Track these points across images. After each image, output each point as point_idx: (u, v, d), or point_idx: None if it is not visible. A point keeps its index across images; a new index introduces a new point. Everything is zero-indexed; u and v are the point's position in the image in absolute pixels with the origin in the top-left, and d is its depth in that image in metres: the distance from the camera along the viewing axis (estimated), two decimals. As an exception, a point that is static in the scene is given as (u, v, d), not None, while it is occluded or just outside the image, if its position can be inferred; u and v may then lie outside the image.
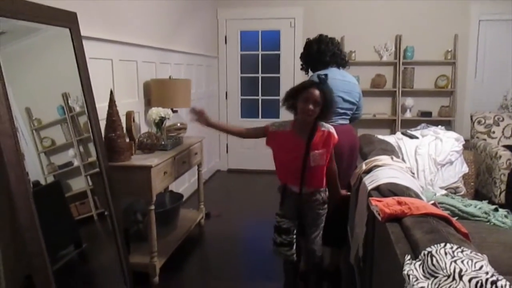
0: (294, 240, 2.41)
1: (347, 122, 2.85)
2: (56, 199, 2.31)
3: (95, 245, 2.59)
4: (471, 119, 4.82)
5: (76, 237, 2.42)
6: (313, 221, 2.43)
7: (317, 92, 2.19)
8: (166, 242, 3.16)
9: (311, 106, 2.18)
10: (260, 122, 5.88)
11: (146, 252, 2.85)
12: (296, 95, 2.25)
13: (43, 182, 2.22)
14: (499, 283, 1.05)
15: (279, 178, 2.43)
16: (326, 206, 2.44)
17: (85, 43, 2.48)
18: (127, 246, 2.76)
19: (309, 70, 2.95)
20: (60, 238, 2.25)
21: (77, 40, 2.40)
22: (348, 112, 2.83)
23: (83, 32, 2.46)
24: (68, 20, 2.35)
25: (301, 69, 3.00)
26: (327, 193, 2.44)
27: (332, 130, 2.34)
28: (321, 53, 2.81)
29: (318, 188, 2.38)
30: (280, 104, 2.36)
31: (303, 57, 2.96)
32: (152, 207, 2.76)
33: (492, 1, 5.27)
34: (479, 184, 4.37)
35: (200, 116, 2.49)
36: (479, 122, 4.72)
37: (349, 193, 2.60)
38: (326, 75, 2.26)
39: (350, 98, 2.79)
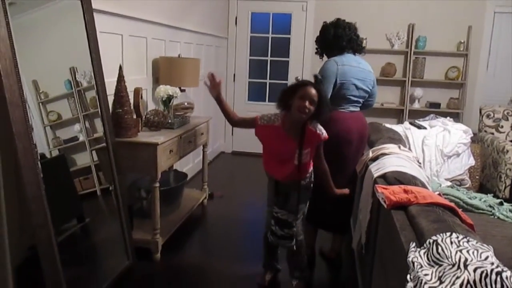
0: (295, 232, 2.44)
1: (358, 109, 2.82)
2: (60, 173, 2.32)
3: (98, 220, 2.61)
4: (480, 112, 4.77)
5: (80, 211, 2.44)
6: (296, 205, 2.44)
7: (314, 90, 2.21)
8: (169, 220, 3.18)
9: (307, 103, 2.18)
10: (267, 106, 5.86)
11: (149, 229, 2.87)
12: (293, 92, 2.25)
13: (48, 156, 2.23)
14: (504, 274, 1.05)
15: (265, 169, 2.47)
16: (309, 191, 2.48)
17: (96, 16, 2.46)
18: (130, 222, 2.78)
19: (324, 54, 2.90)
20: (63, 212, 2.26)
21: (88, 13, 2.37)
22: (360, 100, 2.79)
23: (94, 5, 2.44)
24: (79, -8, 2.32)
25: (316, 53, 2.94)
26: (312, 179, 2.47)
27: (321, 130, 2.33)
28: (338, 37, 2.75)
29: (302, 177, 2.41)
30: (276, 104, 2.34)
31: (318, 41, 2.90)
32: (157, 184, 2.76)
33: (509, -7, 5.18)
34: (484, 177, 4.35)
35: (214, 86, 2.46)
36: (487, 116, 4.68)
37: (346, 190, 2.56)
38: (322, 76, 2.30)
39: (363, 86, 2.75)
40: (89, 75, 2.48)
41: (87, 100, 2.53)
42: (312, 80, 2.28)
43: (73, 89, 2.42)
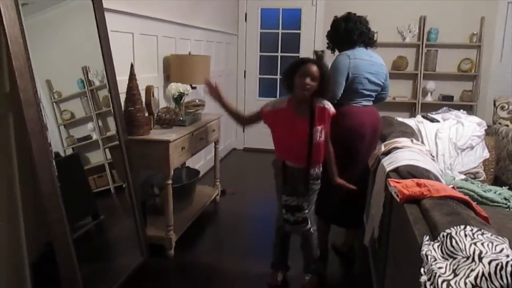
0: (307, 215, 2.41)
1: (370, 103, 2.80)
2: (74, 171, 2.35)
3: (112, 217, 2.64)
4: (494, 104, 4.70)
5: (94, 208, 2.47)
6: (306, 196, 2.41)
7: (314, 67, 2.19)
8: (182, 217, 3.20)
9: (308, 80, 2.17)
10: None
11: (162, 225, 2.89)
12: (293, 72, 2.23)
13: (62, 154, 2.26)
14: (519, 267, 1.04)
15: (278, 155, 2.42)
16: (319, 181, 2.45)
17: (107, 15, 2.48)
18: (144, 219, 2.80)
19: (336, 49, 2.88)
20: (78, 209, 2.30)
21: (99, 12, 2.40)
22: (373, 93, 2.77)
23: (105, 4, 2.46)
24: (90, -9, 2.35)
25: (327, 47, 2.91)
26: (321, 168, 2.44)
27: (328, 105, 2.31)
28: (349, 31, 2.73)
29: (316, 164, 2.39)
30: (281, 86, 2.34)
31: (329, 35, 2.87)
32: (170, 181, 2.78)
33: (522, -17, 5.09)
34: (499, 170, 4.28)
35: (212, 91, 2.47)
36: (502, 108, 4.61)
37: (352, 186, 2.48)
38: (323, 51, 2.26)
39: (376, 80, 2.73)
40: (101, 74, 2.50)
41: (100, 99, 2.55)
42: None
43: (86, 88, 2.45)
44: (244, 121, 2.56)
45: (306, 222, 2.41)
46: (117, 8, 2.73)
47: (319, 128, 2.29)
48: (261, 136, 5.99)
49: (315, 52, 2.27)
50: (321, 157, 2.39)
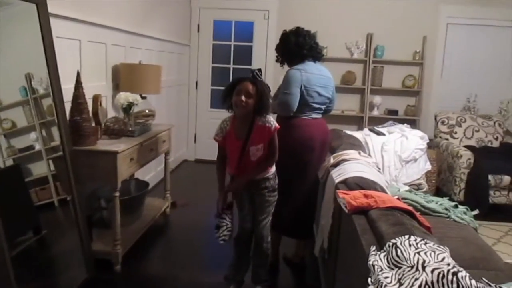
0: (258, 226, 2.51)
1: (320, 116, 2.86)
2: (15, 184, 2.24)
3: (56, 232, 2.53)
4: (435, 119, 4.96)
5: (36, 223, 2.35)
6: (261, 207, 2.48)
7: (249, 85, 2.25)
8: (130, 230, 3.10)
9: (243, 98, 2.23)
10: (229, 113, 5.84)
11: (109, 239, 2.79)
12: (231, 91, 2.30)
13: (1, 166, 2.14)
14: (459, 274, 1.09)
15: (229, 171, 2.48)
16: (276, 193, 2.50)
17: (52, 21, 2.39)
18: (89, 233, 2.69)
19: (285, 63, 2.93)
20: (18, 224, 2.18)
21: (44, 17, 2.30)
22: (322, 106, 2.84)
23: (50, 9, 2.37)
24: (35, -5, 2.25)
25: (277, 61, 2.96)
26: (276, 180, 2.50)
27: (269, 122, 2.33)
28: (299, 46, 2.78)
29: (263, 176, 2.43)
30: (221, 103, 2.40)
31: (279, 49, 2.91)
32: (117, 194, 2.70)
33: (460, 6, 5.42)
34: (440, 181, 4.51)
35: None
36: (442, 122, 4.87)
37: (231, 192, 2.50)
38: (260, 69, 2.33)
39: (325, 93, 2.79)
40: (46, 81, 2.40)
41: (44, 107, 2.45)
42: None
43: (29, 96, 2.34)
44: (223, 162, 2.49)
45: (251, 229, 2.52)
46: (64, 13, 2.64)
47: (259, 146, 2.34)
48: (212, 148, 5.92)
49: (252, 71, 2.32)
50: (259, 169, 2.43)
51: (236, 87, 2.27)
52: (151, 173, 4.51)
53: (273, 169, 2.48)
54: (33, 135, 2.39)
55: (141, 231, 3.18)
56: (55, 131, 2.47)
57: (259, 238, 2.53)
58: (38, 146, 2.39)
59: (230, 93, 2.30)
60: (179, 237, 3.51)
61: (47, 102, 2.43)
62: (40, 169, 2.42)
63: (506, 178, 4.12)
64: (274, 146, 2.38)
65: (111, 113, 3.40)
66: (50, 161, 2.46)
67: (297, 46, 2.79)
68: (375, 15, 5.53)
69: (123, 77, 3.39)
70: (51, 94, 2.40)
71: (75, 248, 2.55)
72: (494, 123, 4.86)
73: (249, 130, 2.31)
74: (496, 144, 4.76)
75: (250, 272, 2.63)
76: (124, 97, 3.02)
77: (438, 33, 5.53)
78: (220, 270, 2.71)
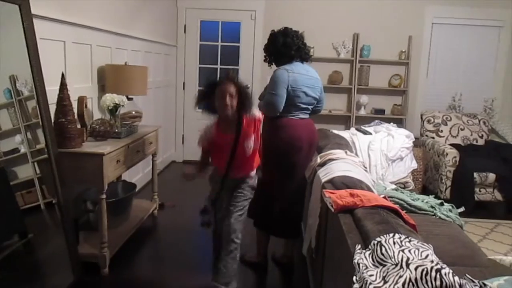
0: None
1: (307, 116, 2.87)
2: (0, 187, 2.20)
3: (42, 235, 2.50)
4: (421, 117, 5.02)
5: (21, 227, 2.32)
6: (236, 199, 2.47)
7: (230, 86, 2.25)
8: (118, 233, 3.08)
9: (228, 101, 2.23)
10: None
11: (96, 242, 2.77)
12: (210, 95, 2.30)
13: (-15, 168, 2.11)
14: (443, 271, 1.10)
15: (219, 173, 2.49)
16: (253, 192, 2.53)
17: (36, 22, 2.36)
18: (76, 236, 2.67)
19: (273, 63, 2.93)
20: (3, 228, 2.15)
21: (27, 18, 2.27)
22: (310, 106, 2.84)
23: (34, 10, 2.34)
24: (17, -4, 2.23)
25: (265, 61, 2.97)
26: (256, 180, 2.54)
27: (254, 114, 2.33)
28: (287, 46, 2.79)
29: (247, 174, 2.47)
30: (196, 107, 2.44)
31: (267, 49, 2.92)
32: (104, 196, 2.68)
33: (444, 6, 5.48)
34: (426, 180, 4.56)
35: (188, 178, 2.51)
36: (428, 121, 4.92)
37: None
38: (233, 71, 2.38)
39: (312, 93, 2.80)
40: (31, 83, 2.37)
41: (29, 109, 2.42)
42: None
43: (14, 98, 2.31)
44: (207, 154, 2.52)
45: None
46: (47, 14, 2.61)
47: (252, 138, 2.34)
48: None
49: (226, 73, 2.34)
50: (248, 168, 2.47)
51: (216, 90, 2.26)
52: (138, 174, 4.49)
53: (256, 163, 2.51)
54: (18, 137, 2.36)
55: (128, 234, 3.16)
56: (40, 133, 2.44)
57: (228, 232, 2.42)
58: (23, 149, 2.36)
59: (209, 97, 2.30)
60: (167, 239, 3.50)
61: (32, 104, 2.41)
62: (25, 172, 2.39)
63: (491, 176, 4.18)
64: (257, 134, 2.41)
65: (97, 115, 3.37)
66: (36, 164, 2.43)
67: (285, 47, 2.80)
68: (361, 15, 5.57)
69: (109, 78, 3.37)
70: (35, 96, 2.38)
71: (61, 251, 2.53)
72: (479, 121, 4.93)
73: (237, 126, 2.31)
74: (481, 142, 4.83)
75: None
76: (110, 98, 3.00)
77: (423, 33, 5.59)
78: (209, 271, 2.71)
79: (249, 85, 2.43)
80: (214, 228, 2.58)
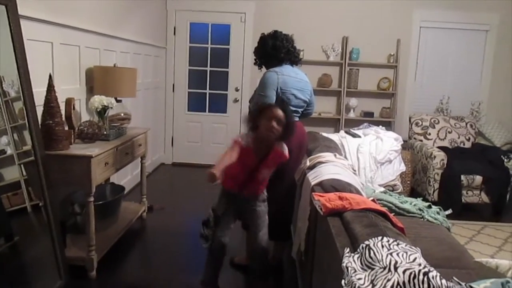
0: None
1: (297, 119, 2.87)
2: (-15, 189, 2.17)
3: (29, 238, 2.47)
4: (410, 120, 5.06)
5: (7, 229, 2.29)
6: (257, 219, 2.50)
7: (280, 111, 2.30)
8: (106, 235, 3.05)
9: (274, 124, 2.27)
10: (207, 116, 5.85)
11: (84, 245, 2.74)
12: (260, 114, 2.33)
13: (-30, 171, 2.08)
14: (430, 274, 1.11)
15: (228, 186, 2.45)
16: (266, 203, 2.53)
17: (23, 23, 2.33)
18: (63, 239, 2.64)
19: (263, 66, 2.94)
20: (-12, 230, 2.12)
21: (13, 18, 2.25)
22: (299, 109, 2.85)
23: (21, 11, 2.31)
24: (4, -3, 2.20)
25: (255, 64, 2.98)
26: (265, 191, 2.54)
27: (286, 151, 2.39)
28: (276, 49, 2.80)
29: (257, 194, 2.49)
30: (245, 123, 2.43)
31: (257, 52, 2.93)
32: (91, 198, 2.66)
33: (432, 10, 5.54)
34: (415, 182, 4.59)
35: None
36: (416, 124, 4.96)
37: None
38: (288, 99, 2.50)
39: (301, 96, 2.81)
40: (17, 84, 2.34)
41: (16, 111, 2.39)
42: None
43: (0, 99, 2.28)
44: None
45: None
46: (34, 15, 2.58)
47: (270, 170, 2.41)
48: (190, 151, 5.94)
49: (282, 100, 2.44)
50: (260, 190, 2.49)
51: (266, 111, 2.31)
52: (127, 177, 4.46)
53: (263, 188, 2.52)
54: (4, 139, 2.32)
55: (116, 236, 3.14)
56: (27, 135, 2.41)
57: (259, 252, 2.52)
58: (9, 151, 2.33)
59: (258, 116, 2.33)
60: (155, 242, 3.47)
61: (18, 105, 2.38)
62: (12, 174, 2.36)
63: (478, 178, 4.23)
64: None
65: (85, 117, 3.34)
66: (22, 166, 2.40)
67: (274, 50, 2.81)
68: (350, 18, 5.61)
69: (98, 80, 3.34)
70: (22, 97, 2.35)
71: (48, 254, 2.49)
72: (466, 124, 4.98)
73: (266, 151, 2.34)
74: (468, 144, 4.88)
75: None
76: (98, 100, 2.98)
77: (411, 36, 5.64)
78: (197, 274, 2.69)
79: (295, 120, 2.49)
80: (211, 245, 2.52)
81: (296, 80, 2.79)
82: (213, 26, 5.76)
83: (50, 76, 2.56)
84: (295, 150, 2.80)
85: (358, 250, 1.33)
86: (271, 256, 3.04)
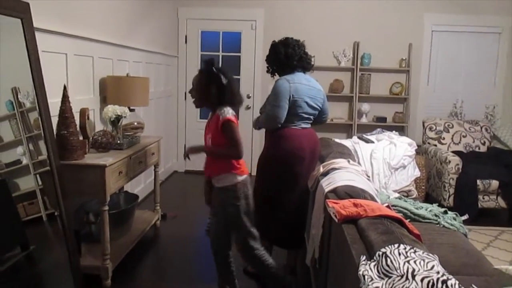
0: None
1: (309, 126, 2.87)
2: (1, 199, 2.20)
3: (44, 247, 2.49)
4: (423, 125, 5.01)
5: (23, 238, 2.32)
6: (229, 223, 2.48)
7: (195, 77, 2.37)
8: (120, 244, 3.07)
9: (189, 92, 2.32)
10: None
11: (98, 254, 2.76)
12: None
13: (-12, 181, 2.11)
14: (449, 282, 1.09)
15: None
16: (239, 202, 2.39)
17: (38, 35, 2.37)
18: (78, 247, 2.66)
19: (275, 73, 2.93)
20: (5, 240, 2.14)
21: (29, 31, 2.29)
22: (311, 117, 2.85)
23: (36, 24, 2.35)
24: (20, 10, 2.24)
25: (267, 71, 2.97)
26: (238, 192, 2.38)
27: (222, 114, 2.32)
28: (289, 57, 2.79)
29: (216, 176, 2.44)
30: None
31: (269, 60, 2.93)
32: (106, 207, 2.67)
33: (444, 14, 5.50)
34: (429, 187, 4.54)
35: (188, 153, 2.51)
36: (430, 128, 4.91)
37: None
38: (212, 59, 2.43)
39: (313, 104, 2.80)
40: (32, 95, 2.38)
41: (31, 121, 2.43)
42: None
43: (16, 110, 2.32)
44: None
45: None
46: (49, 28, 2.63)
47: (209, 136, 2.41)
48: (202, 158, 5.93)
49: (204, 60, 2.44)
50: (212, 168, 2.48)
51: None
52: (140, 185, 4.48)
53: (232, 180, 2.40)
54: (20, 149, 2.36)
55: (131, 245, 3.15)
56: (42, 145, 2.44)
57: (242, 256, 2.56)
58: (25, 161, 2.36)
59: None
60: (169, 250, 3.48)
61: (33, 115, 2.41)
62: (27, 183, 2.39)
63: (494, 183, 4.16)
64: (230, 138, 2.33)
65: (99, 127, 3.37)
66: (38, 176, 2.43)
67: (286, 57, 2.80)
68: (361, 23, 5.59)
69: (111, 89, 3.38)
70: (37, 108, 2.38)
71: (63, 263, 2.51)
72: (481, 128, 4.92)
73: (208, 121, 2.40)
74: (483, 149, 4.81)
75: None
76: (112, 110, 3.01)
77: (423, 40, 5.60)
78: (212, 282, 2.69)
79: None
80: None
81: (308, 87, 2.79)
82: (224, 34, 5.79)
83: (64, 86, 2.60)
84: (308, 157, 2.79)
85: (375, 258, 1.31)
86: (284, 265, 3.02)
